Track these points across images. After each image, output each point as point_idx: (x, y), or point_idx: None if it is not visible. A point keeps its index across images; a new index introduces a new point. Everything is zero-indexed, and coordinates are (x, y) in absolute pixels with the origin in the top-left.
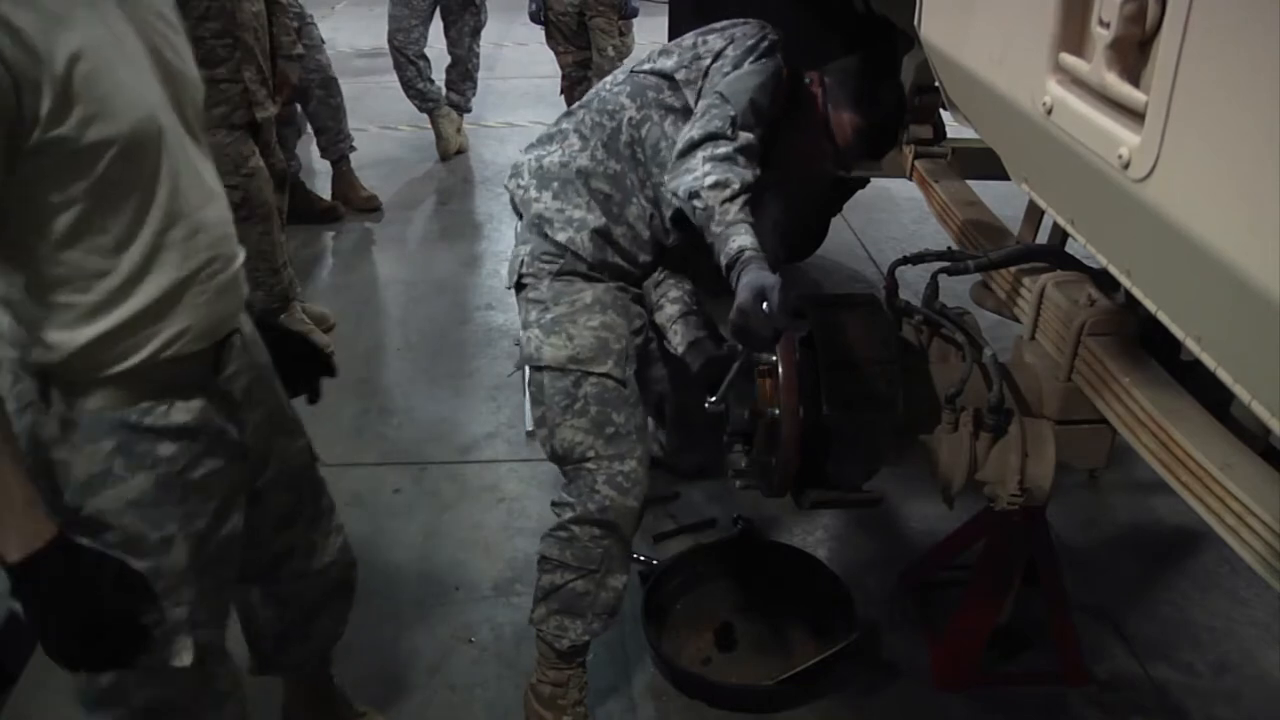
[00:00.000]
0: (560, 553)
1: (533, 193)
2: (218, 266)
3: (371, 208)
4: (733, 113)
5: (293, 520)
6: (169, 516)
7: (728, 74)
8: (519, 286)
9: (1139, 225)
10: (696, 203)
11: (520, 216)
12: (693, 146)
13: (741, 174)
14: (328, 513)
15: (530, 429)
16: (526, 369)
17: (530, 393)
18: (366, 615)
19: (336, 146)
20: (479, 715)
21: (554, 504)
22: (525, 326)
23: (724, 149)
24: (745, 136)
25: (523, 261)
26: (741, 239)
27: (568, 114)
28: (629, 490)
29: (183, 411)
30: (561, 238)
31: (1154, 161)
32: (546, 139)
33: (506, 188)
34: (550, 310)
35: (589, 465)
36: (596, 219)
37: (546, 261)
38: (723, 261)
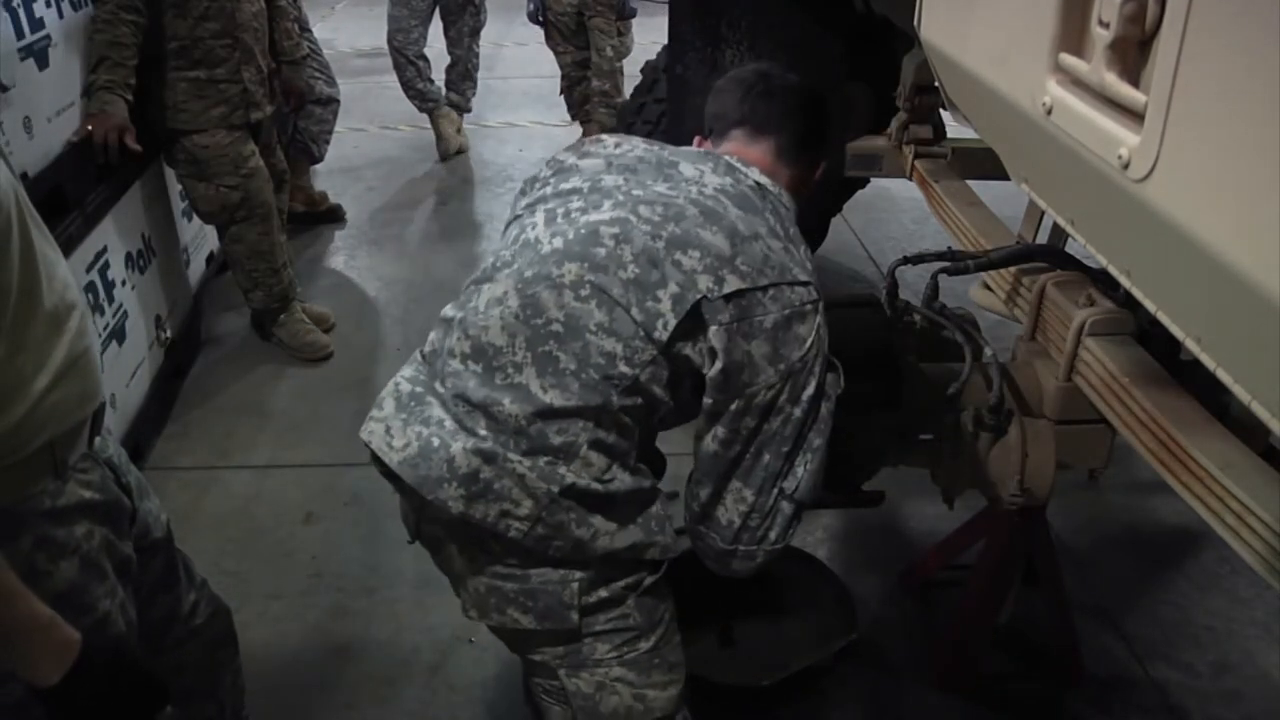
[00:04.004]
0: None
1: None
2: (86, 320)
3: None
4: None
5: (171, 584)
6: (99, 595)
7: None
8: (576, 628)
9: (1139, 225)
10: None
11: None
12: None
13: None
14: (192, 570)
15: None
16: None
17: None
18: (366, 615)
19: (307, 151)
20: (479, 715)
21: None
22: (580, 667)
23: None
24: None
25: (576, 591)
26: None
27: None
28: None
29: (85, 486)
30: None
31: (1154, 162)
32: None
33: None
34: (648, 635)
35: None
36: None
37: (631, 572)
38: None
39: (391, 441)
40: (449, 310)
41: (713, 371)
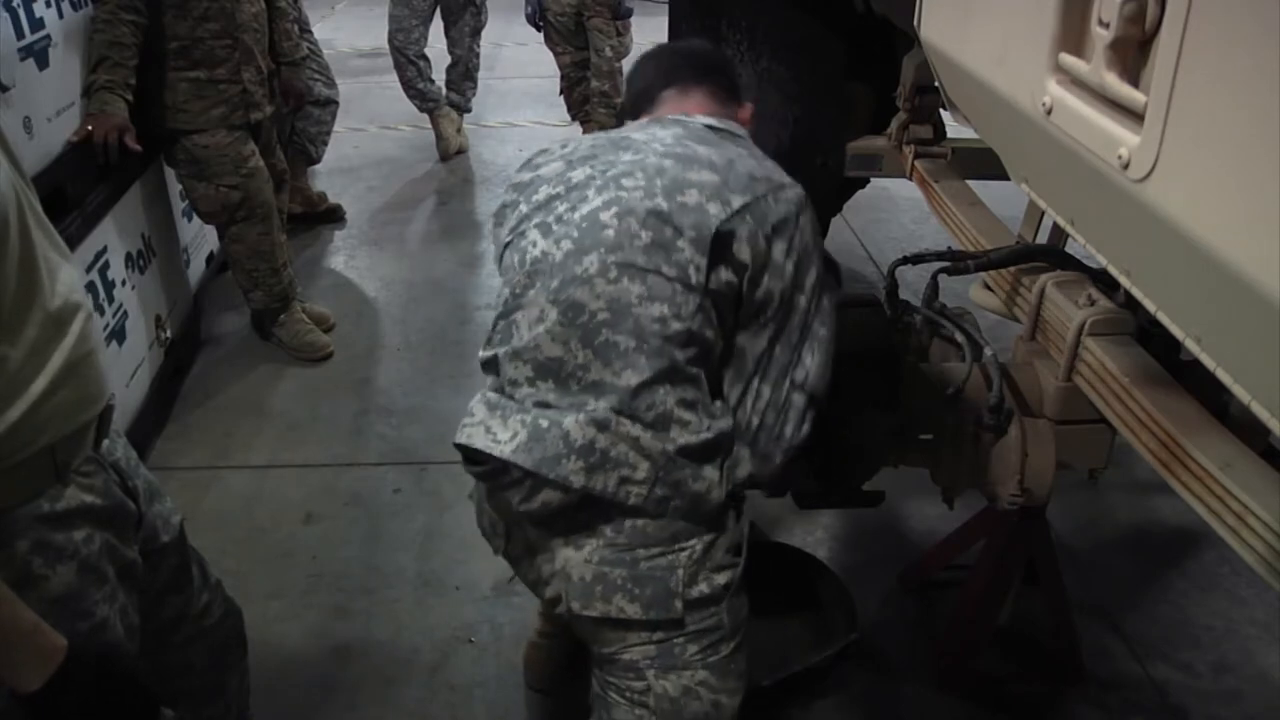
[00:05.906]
0: None
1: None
2: (91, 323)
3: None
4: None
5: (182, 585)
6: (97, 600)
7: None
8: (680, 618)
9: (1139, 225)
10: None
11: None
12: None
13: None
14: (206, 570)
15: None
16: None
17: None
18: (366, 615)
19: (305, 152)
20: (479, 715)
21: None
22: (670, 669)
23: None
24: None
25: (681, 579)
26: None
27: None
28: None
29: (88, 490)
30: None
31: (1154, 162)
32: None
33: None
34: (730, 640)
35: None
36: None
37: (728, 565)
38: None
39: (496, 436)
40: (488, 352)
41: (744, 280)
